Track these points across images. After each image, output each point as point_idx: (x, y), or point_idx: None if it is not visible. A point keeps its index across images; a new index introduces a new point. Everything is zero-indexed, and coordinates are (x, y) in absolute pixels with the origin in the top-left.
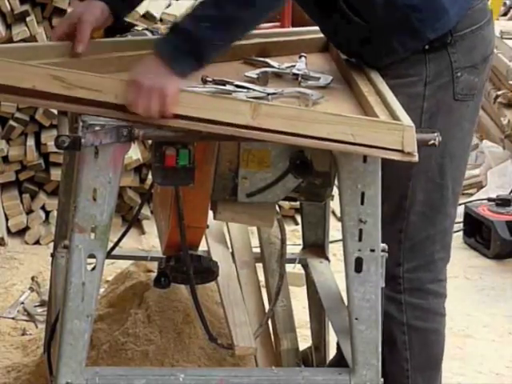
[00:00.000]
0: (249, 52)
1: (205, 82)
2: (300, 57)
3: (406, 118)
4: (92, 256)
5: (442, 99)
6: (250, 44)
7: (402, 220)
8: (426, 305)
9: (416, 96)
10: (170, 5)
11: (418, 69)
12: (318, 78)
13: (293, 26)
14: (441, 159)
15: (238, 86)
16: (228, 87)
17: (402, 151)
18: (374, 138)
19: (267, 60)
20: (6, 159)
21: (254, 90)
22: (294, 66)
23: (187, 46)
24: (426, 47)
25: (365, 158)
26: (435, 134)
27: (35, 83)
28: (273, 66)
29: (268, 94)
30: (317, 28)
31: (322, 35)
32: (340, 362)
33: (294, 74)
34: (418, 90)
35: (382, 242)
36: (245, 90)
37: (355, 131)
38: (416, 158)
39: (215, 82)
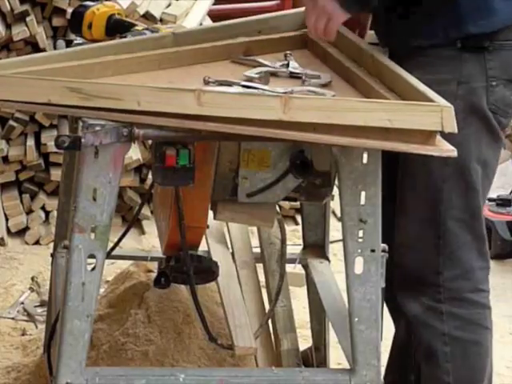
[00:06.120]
0: (235, 52)
1: (207, 83)
2: (286, 55)
3: (440, 99)
4: (92, 256)
5: (476, 104)
6: (235, 44)
7: (438, 225)
8: (467, 315)
9: (448, 94)
10: (169, 5)
11: (451, 67)
12: (319, 76)
13: (293, 6)
14: (475, 164)
15: (245, 87)
16: (235, 88)
17: (441, 149)
18: (412, 122)
19: (258, 59)
20: (5, 159)
21: (263, 89)
22: (286, 64)
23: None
24: (459, 45)
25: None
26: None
27: (50, 97)
28: (266, 65)
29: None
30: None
31: (300, 32)
32: None
33: (291, 73)
34: (451, 89)
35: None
36: (255, 91)
37: (392, 116)
38: (455, 153)
39: (219, 83)
